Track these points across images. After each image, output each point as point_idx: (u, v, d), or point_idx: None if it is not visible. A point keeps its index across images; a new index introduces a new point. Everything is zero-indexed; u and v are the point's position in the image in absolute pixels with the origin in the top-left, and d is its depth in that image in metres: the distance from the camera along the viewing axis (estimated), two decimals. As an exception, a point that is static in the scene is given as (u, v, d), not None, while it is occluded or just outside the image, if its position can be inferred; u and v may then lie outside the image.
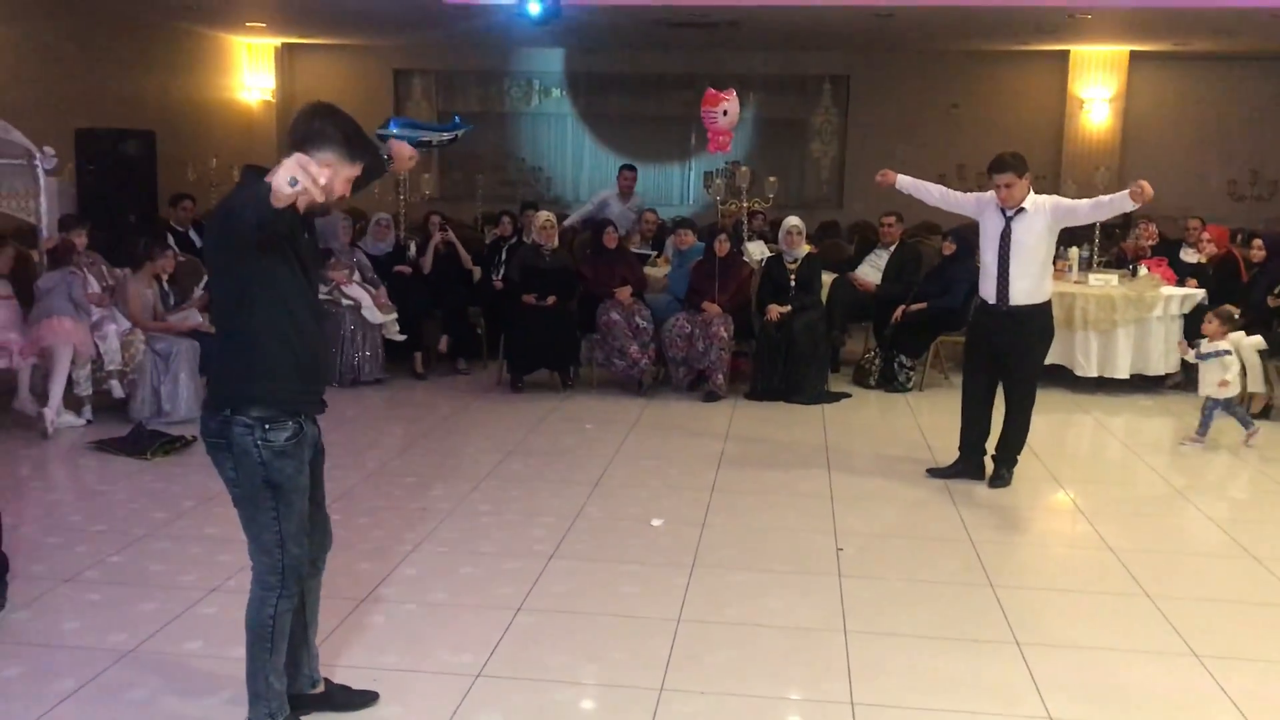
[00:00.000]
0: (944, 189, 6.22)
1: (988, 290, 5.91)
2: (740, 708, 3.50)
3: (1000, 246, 5.78)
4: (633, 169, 10.91)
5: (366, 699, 3.46)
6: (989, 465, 6.15)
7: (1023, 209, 5.75)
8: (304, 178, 2.51)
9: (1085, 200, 5.83)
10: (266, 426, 2.95)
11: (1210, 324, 7.19)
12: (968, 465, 6.16)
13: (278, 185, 2.52)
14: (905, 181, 6.14)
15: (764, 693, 3.60)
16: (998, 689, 3.67)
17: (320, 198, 2.60)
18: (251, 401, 2.95)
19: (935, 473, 6.21)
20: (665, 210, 12.11)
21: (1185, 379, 8.85)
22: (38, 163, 7.20)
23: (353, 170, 2.99)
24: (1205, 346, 7.13)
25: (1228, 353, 7.02)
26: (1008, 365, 5.99)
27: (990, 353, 6.02)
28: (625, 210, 10.51)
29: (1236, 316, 7.36)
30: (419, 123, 3.64)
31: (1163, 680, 3.78)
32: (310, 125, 2.95)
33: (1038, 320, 5.93)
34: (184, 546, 4.83)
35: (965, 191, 6.29)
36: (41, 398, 6.74)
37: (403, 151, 3.25)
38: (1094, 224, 9.27)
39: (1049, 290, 5.96)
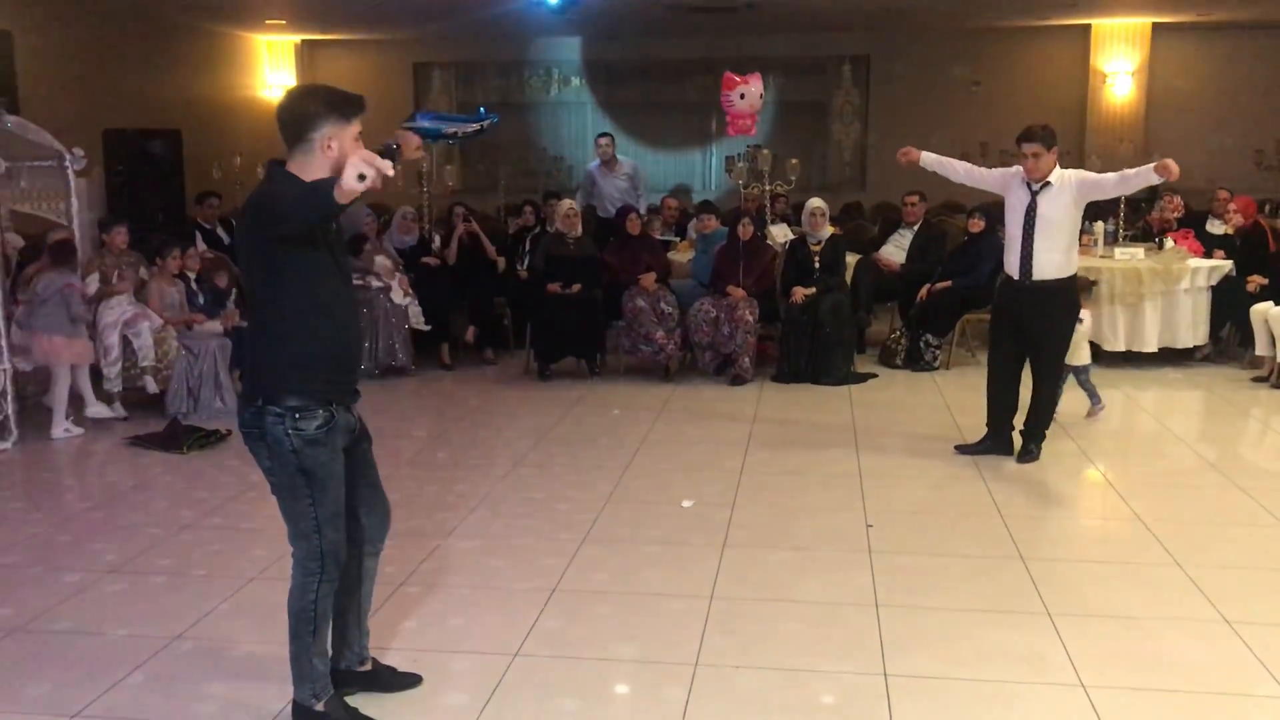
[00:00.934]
0: (969, 165, 6.21)
1: (1012, 264, 5.91)
2: (774, 681, 3.54)
3: (1025, 221, 5.79)
4: (607, 135, 10.69)
5: (411, 680, 3.53)
6: (1017, 440, 6.15)
7: (1048, 183, 5.76)
8: (371, 172, 2.60)
9: (1111, 174, 5.81)
10: (297, 416, 3.02)
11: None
12: (996, 441, 6.17)
13: (347, 181, 2.60)
14: (930, 159, 6.10)
15: (797, 666, 3.64)
16: (1030, 659, 3.69)
17: (380, 186, 2.66)
18: (284, 392, 3.02)
19: (964, 449, 6.22)
20: (687, 196, 12.11)
21: (1214, 351, 8.83)
22: (68, 164, 7.29)
23: (353, 129, 3.02)
24: None
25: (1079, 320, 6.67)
26: (1034, 340, 5.99)
27: (1015, 328, 6.02)
28: (614, 178, 10.38)
29: (1092, 282, 7.09)
30: (446, 115, 3.70)
31: (1195, 647, 3.80)
32: (294, 116, 3.01)
33: (1062, 295, 5.93)
34: (224, 537, 4.92)
35: (989, 169, 6.29)
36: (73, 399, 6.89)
37: (410, 141, 3.30)
38: (1119, 198, 9.25)
39: (1074, 265, 5.96)
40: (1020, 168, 5.87)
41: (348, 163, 2.64)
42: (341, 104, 3.02)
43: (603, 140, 10.57)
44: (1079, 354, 6.65)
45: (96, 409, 6.96)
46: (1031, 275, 5.82)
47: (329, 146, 2.97)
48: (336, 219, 3.05)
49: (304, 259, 2.98)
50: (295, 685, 3.23)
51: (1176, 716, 3.33)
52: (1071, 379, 6.75)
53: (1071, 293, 6.00)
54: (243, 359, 3.46)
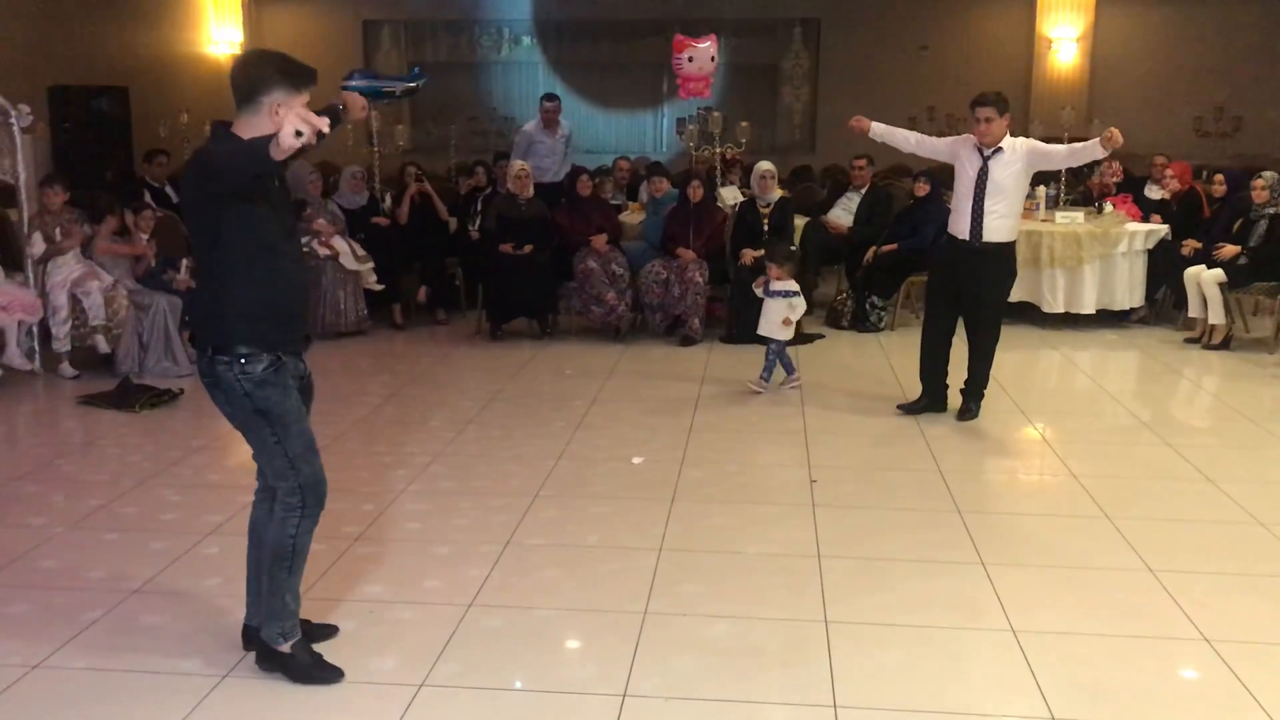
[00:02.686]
0: (919, 135, 6.36)
1: (960, 227, 6.05)
2: (721, 628, 3.68)
3: (977, 185, 5.94)
4: (554, 98, 10.30)
5: (328, 632, 3.60)
6: (953, 399, 6.34)
7: (1000, 148, 5.92)
8: (307, 129, 2.69)
9: (1061, 147, 6.07)
10: (243, 360, 3.14)
11: (773, 266, 6.93)
12: (933, 399, 6.36)
13: (284, 138, 2.69)
14: (879, 129, 6.21)
15: (742, 614, 3.79)
16: (963, 605, 3.87)
17: (315, 142, 2.74)
18: (231, 341, 3.14)
19: (905, 408, 6.40)
20: (639, 158, 12.16)
21: (1150, 313, 9.09)
22: (13, 121, 7.21)
23: (302, 99, 3.11)
24: (774, 285, 6.87)
25: (796, 294, 6.84)
26: (974, 301, 6.17)
27: (955, 289, 6.19)
28: (555, 143, 10.12)
29: (794, 250, 7.28)
30: (380, 75, 3.76)
31: (1119, 594, 3.99)
32: (248, 78, 3.09)
33: (1006, 258, 6.12)
34: (177, 493, 4.97)
35: (937, 135, 6.44)
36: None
37: (354, 102, 3.35)
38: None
39: (1016, 230, 6.15)
40: (970, 135, 6.03)
41: (285, 119, 2.73)
42: (294, 73, 3.12)
43: (548, 103, 10.22)
44: (783, 330, 6.79)
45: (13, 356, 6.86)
46: (981, 237, 5.98)
47: (276, 112, 3.05)
48: (277, 175, 3.15)
49: (246, 213, 3.09)
50: (264, 623, 3.33)
51: (1100, 658, 3.51)
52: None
53: (1013, 257, 6.18)
54: (190, 314, 3.52)
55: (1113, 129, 5.44)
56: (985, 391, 6.33)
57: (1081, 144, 5.84)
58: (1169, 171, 9.61)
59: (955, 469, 5.37)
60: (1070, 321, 8.79)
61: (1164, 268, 8.81)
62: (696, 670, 3.41)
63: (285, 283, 3.22)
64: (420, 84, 3.64)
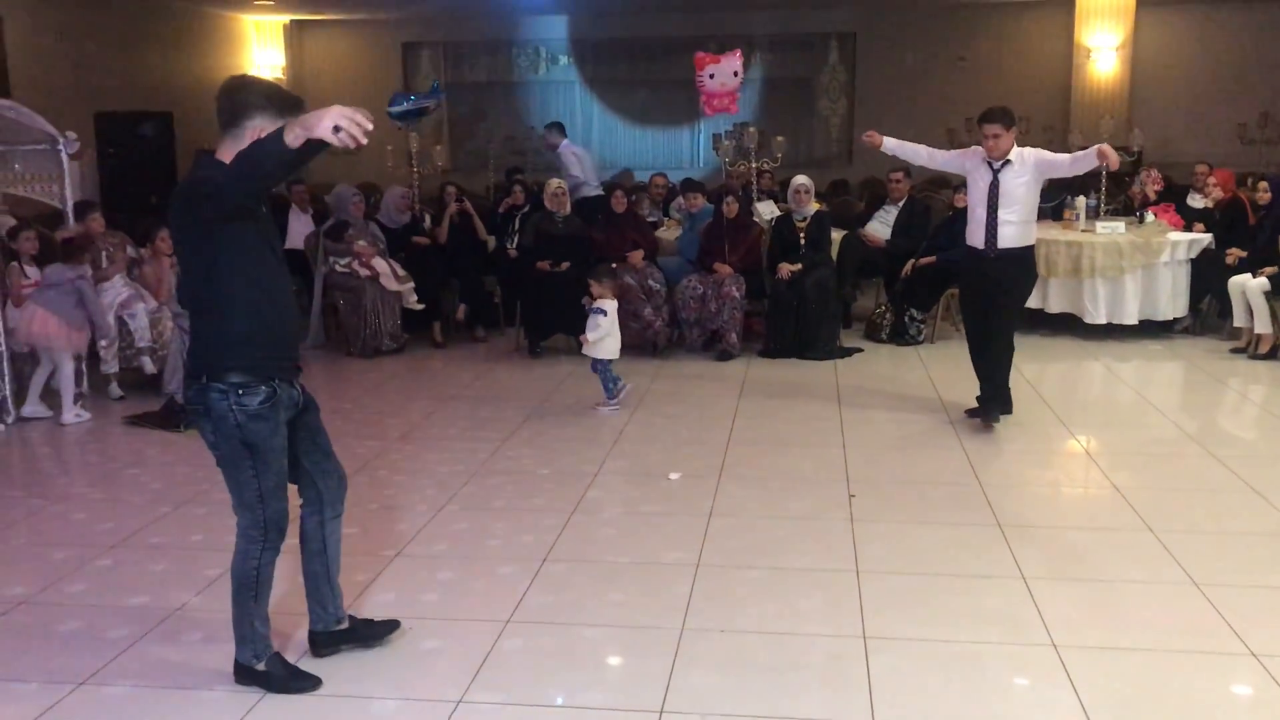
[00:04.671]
0: (930, 149, 6.57)
1: (976, 238, 6.26)
2: (758, 644, 3.67)
3: (990, 197, 6.15)
4: (552, 124, 11.15)
5: (390, 627, 3.69)
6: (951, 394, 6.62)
7: (1008, 160, 6.13)
8: (350, 126, 2.68)
9: (1065, 155, 6.29)
10: (240, 392, 3.17)
11: (593, 284, 6.99)
12: (1000, 403, 6.40)
13: (322, 129, 2.68)
14: (891, 144, 6.47)
15: (780, 630, 3.77)
16: (1004, 620, 3.83)
17: (352, 146, 2.72)
18: (225, 369, 3.17)
19: (972, 413, 6.43)
20: (675, 174, 12.20)
21: (1194, 323, 8.97)
22: (61, 147, 7.36)
23: None
24: (595, 303, 6.91)
25: (602, 313, 6.79)
26: (995, 302, 6.33)
27: (984, 295, 6.34)
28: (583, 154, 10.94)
29: (614, 269, 7.27)
30: (413, 95, 3.85)
31: (1163, 608, 3.93)
32: (233, 102, 3.15)
33: (1024, 261, 6.33)
34: (220, 515, 5.02)
35: (948, 150, 6.68)
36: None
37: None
38: (1101, 173, 9.43)
39: (1034, 236, 6.35)
40: (978, 148, 6.28)
41: (327, 110, 2.71)
42: (279, 100, 3.17)
43: (546, 130, 11.06)
44: (596, 348, 6.77)
45: (36, 408, 6.80)
46: (997, 245, 6.18)
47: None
48: (285, 174, 3.12)
49: (239, 240, 3.13)
50: (238, 646, 3.41)
51: (1145, 674, 3.47)
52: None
53: (1031, 260, 6.41)
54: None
55: (1104, 146, 5.84)
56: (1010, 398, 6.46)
57: (1081, 152, 6.11)
58: (1212, 180, 9.50)
59: (996, 482, 5.32)
60: (1112, 332, 8.69)
61: (1208, 277, 8.70)
62: (734, 687, 3.40)
63: (280, 308, 3.27)
64: (443, 98, 3.72)
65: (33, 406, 6.76)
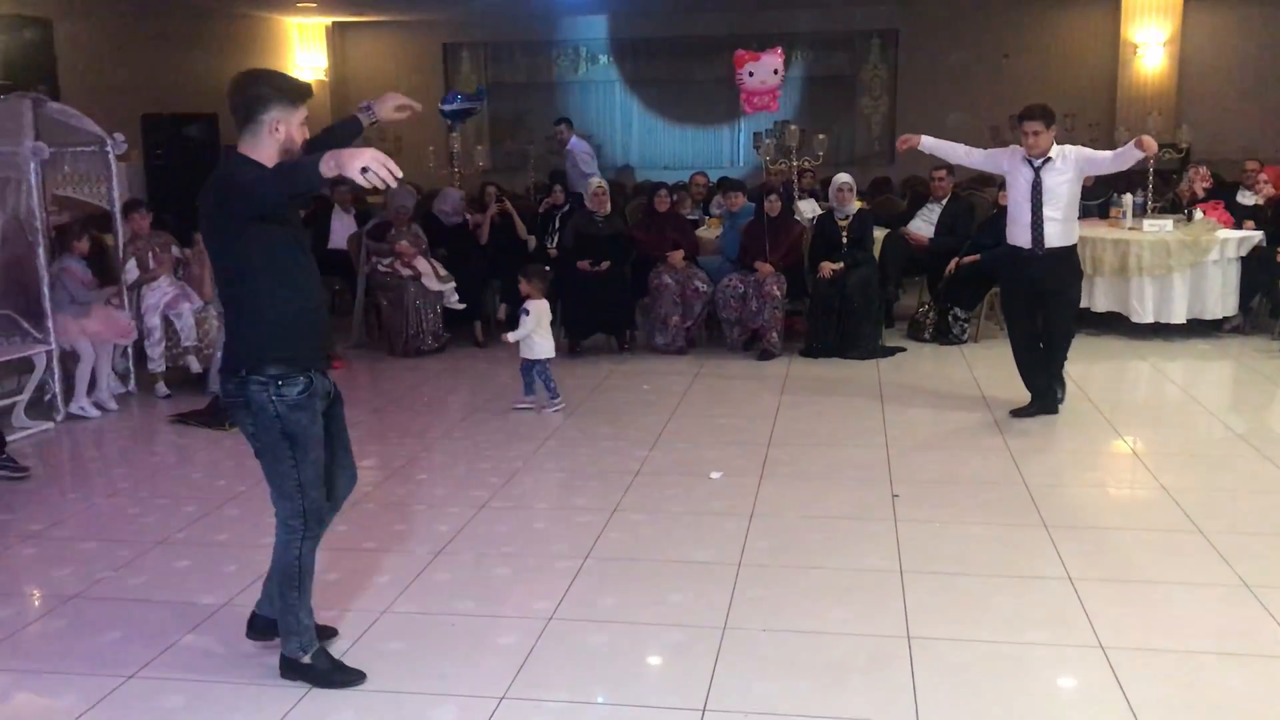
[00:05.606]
0: (967, 147, 6.53)
1: (1020, 237, 6.21)
2: (799, 643, 3.65)
3: (1033, 195, 6.11)
4: (562, 120, 11.54)
5: (328, 634, 3.67)
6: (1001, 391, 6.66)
7: (1049, 158, 6.10)
8: (379, 170, 2.82)
9: (1107, 152, 6.27)
10: (280, 383, 3.22)
11: (523, 282, 6.91)
12: (1044, 402, 6.41)
13: (351, 168, 2.82)
14: (929, 143, 6.44)
15: (824, 629, 3.75)
16: (1050, 622, 3.78)
17: (381, 187, 2.88)
18: (264, 361, 3.22)
19: (1017, 413, 6.41)
20: (715, 173, 12.17)
21: (1244, 322, 8.83)
22: (109, 149, 7.46)
23: (300, 114, 3.23)
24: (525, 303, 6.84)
25: (525, 312, 6.73)
26: (1046, 302, 6.30)
27: (1029, 295, 6.31)
28: (566, 165, 11.16)
29: (546, 270, 7.25)
30: (462, 95, 3.98)
31: (1214, 610, 3.87)
32: (247, 96, 3.19)
33: (1071, 260, 6.30)
34: (265, 511, 5.07)
35: (986, 149, 6.61)
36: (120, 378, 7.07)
37: (386, 102, 3.60)
38: (1149, 170, 9.32)
39: (1077, 234, 6.32)
40: (1017, 146, 6.24)
41: (362, 151, 2.84)
42: (289, 90, 3.23)
43: (558, 128, 11.35)
44: (539, 347, 6.70)
45: (83, 405, 6.85)
46: (1044, 244, 6.14)
47: (276, 129, 3.17)
48: (314, 192, 3.25)
49: (273, 234, 3.19)
50: (283, 640, 3.44)
51: (1194, 677, 3.41)
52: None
53: (1077, 258, 6.40)
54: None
55: (1145, 135, 5.82)
56: (1064, 383, 6.52)
57: (1123, 148, 6.05)
58: (1262, 176, 9.34)
59: (1041, 482, 5.26)
60: (1160, 332, 8.57)
61: (1259, 275, 8.55)
62: (777, 686, 3.38)
63: (312, 300, 3.33)
64: (485, 98, 3.83)
65: (80, 403, 6.86)
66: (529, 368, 6.80)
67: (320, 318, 3.41)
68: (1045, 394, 6.41)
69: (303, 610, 3.41)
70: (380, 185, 2.83)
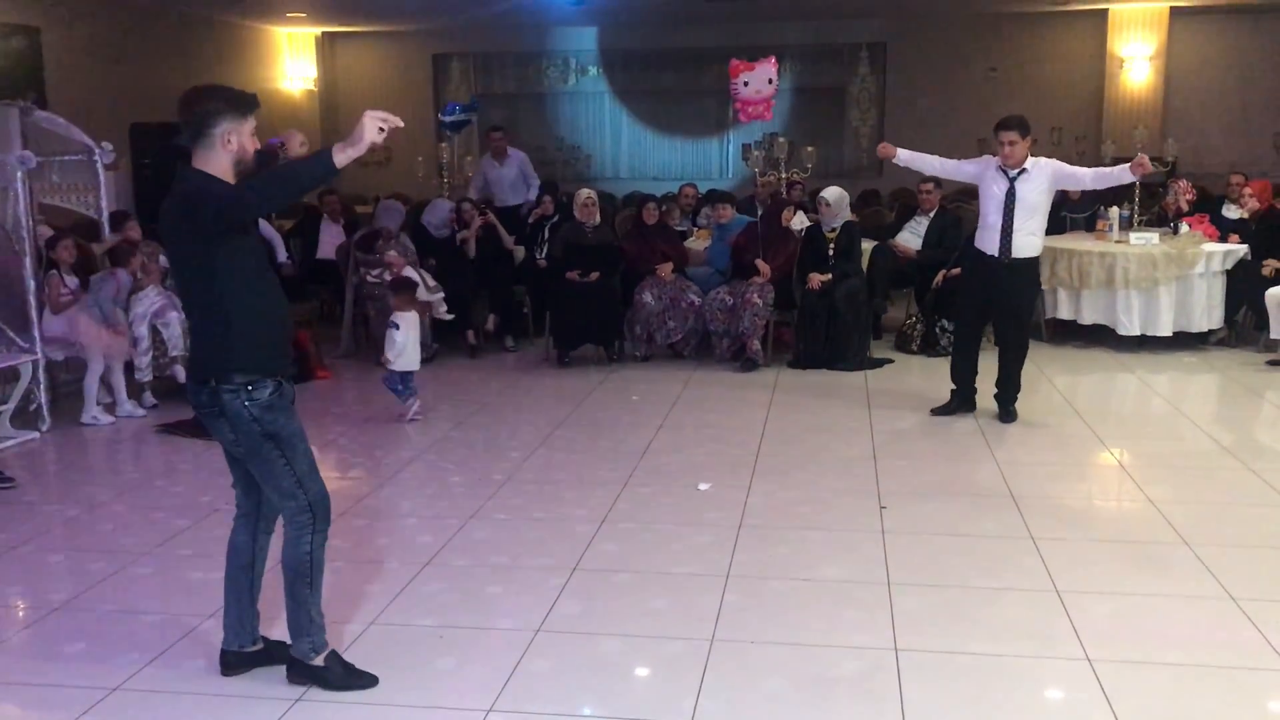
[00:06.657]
0: (943, 159, 6.65)
1: (989, 244, 6.37)
2: (789, 657, 3.65)
3: (1006, 205, 6.25)
4: (499, 129, 10.95)
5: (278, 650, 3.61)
6: (980, 401, 6.76)
7: (1024, 169, 6.22)
8: (387, 126, 2.95)
9: (1088, 170, 6.42)
10: (250, 388, 3.23)
11: (394, 299, 7.04)
12: (964, 401, 6.71)
13: (370, 133, 2.94)
14: (904, 155, 6.56)
15: (811, 642, 3.75)
16: (1037, 634, 3.79)
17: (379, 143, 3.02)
18: (232, 369, 3.23)
19: (937, 411, 6.70)
20: (704, 184, 12.20)
21: (1230, 335, 8.87)
22: (97, 158, 7.45)
23: (250, 124, 3.26)
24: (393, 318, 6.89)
25: (395, 326, 6.76)
26: (1006, 311, 6.48)
27: (984, 300, 6.50)
28: (503, 172, 10.61)
29: (414, 283, 7.34)
30: (460, 105, 4.02)
31: (1200, 622, 3.89)
32: (196, 112, 3.22)
33: (1032, 271, 6.55)
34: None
35: (960, 160, 6.73)
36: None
37: (293, 140, 3.63)
38: (1135, 184, 9.34)
39: (1042, 245, 6.50)
40: (992, 157, 6.37)
41: (366, 117, 2.94)
42: (238, 101, 3.25)
43: (494, 134, 10.87)
44: (406, 360, 6.76)
45: (129, 406, 7.07)
46: (1011, 254, 6.29)
47: (229, 141, 3.21)
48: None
49: (239, 244, 3.21)
50: (293, 639, 3.42)
51: (1180, 689, 3.42)
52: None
53: (1038, 269, 6.63)
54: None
55: (1142, 155, 5.96)
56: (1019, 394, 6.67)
57: (1110, 168, 6.23)
58: (1247, 190, 9.40)
59: (1028, 494, 5.27)
60: (1146, 344, 8.60)
61: (1244, 288, 8.60)
62: (764, 699, 3.38)
63: (277, 308, 3.35)
64: (478, 108, 3.89)
65: (91, 412, 6.88)
66: (395, 379, 6.80)
67: (285, 326, 3.43)
68: (966, 394, 6.70)
69: (314, 607, 3.40)
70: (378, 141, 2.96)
